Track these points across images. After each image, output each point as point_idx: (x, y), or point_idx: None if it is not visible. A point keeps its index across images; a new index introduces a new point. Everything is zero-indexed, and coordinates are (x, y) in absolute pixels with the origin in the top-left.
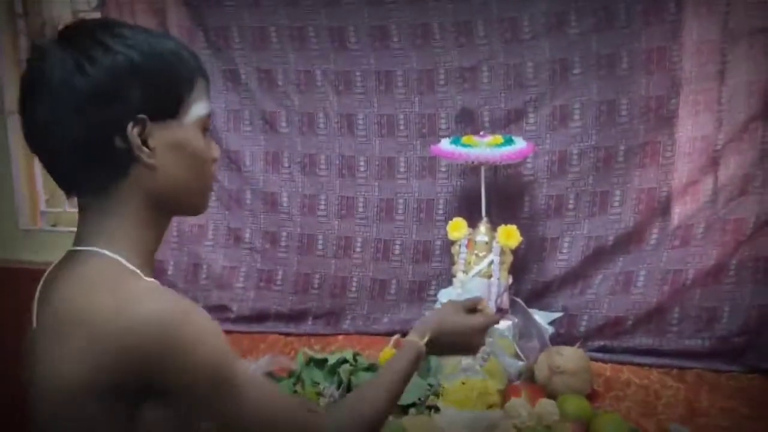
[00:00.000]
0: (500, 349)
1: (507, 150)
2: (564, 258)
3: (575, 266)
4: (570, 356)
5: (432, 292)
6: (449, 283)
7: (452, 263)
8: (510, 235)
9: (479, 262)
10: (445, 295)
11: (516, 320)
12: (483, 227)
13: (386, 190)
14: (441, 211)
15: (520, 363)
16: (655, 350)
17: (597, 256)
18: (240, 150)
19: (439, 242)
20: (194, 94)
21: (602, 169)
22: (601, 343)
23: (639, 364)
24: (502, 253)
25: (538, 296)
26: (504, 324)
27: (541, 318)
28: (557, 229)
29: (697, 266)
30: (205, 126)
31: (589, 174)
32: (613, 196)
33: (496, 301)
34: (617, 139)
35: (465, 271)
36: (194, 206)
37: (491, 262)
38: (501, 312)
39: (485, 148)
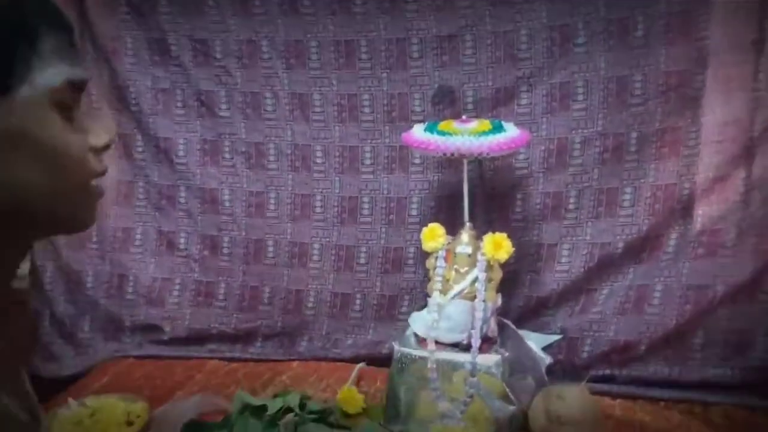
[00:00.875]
0: (486, 390)
1: (495, 139)
2: (563, 269)
3: (576, 279)
4: (574, 401)
5: (404, 309)
6: (425, 298)
7: (428, 279)
8: (499, 246)
9: (460, 280)
10: (417, 320)
11: (506, 354)
12: (465, 235)
13: (349, 186)
14: (415, 213)
15: (511, 407)
16: (674, 381)
17: (603, 267)
18: (171, 138)
19: (412, 250)
20: (38, 54)
21: (610, 162)
22: (608, 372)
23: (654, 399)
24: (489, 268)
25: (532, 315)
26: (491, 359)
27: (536, 342)
28: (555, 233)
29: (725, 280)
30: (66, 102)
31: (594, 167)
32: (623, 194)
33: (481, 328)
34: (629, 125)
35: (443, 291)
36: (64, 222)
37: (475, 280)
38: (488, 342)
39: (468, 136)
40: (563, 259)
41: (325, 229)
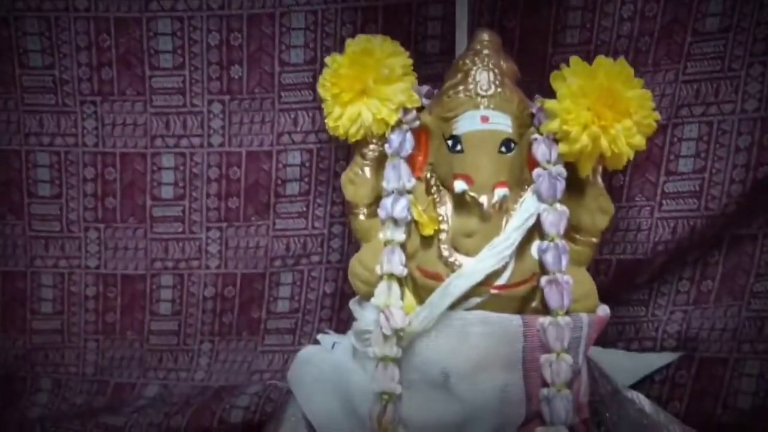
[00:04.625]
0: None
1: None
2: (684, 188)
3: (720, 210)
4: None
5: (280, 307)
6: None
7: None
8: (620, 105)
9: (483, 235)
10: (317, 377)
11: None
12: (483, 69)
13: None
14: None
15: None
16: None
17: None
18: None
19: (296, 154)
20: None
21: None
22: None
23: None
24: (575, 189)
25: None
26: None
27: (620, 369)
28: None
29: None
30: None
31: None
32: None
33: (568, 414)
34: None
35: (410, 279)
36: None
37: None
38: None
39: None
40: (683, 163)
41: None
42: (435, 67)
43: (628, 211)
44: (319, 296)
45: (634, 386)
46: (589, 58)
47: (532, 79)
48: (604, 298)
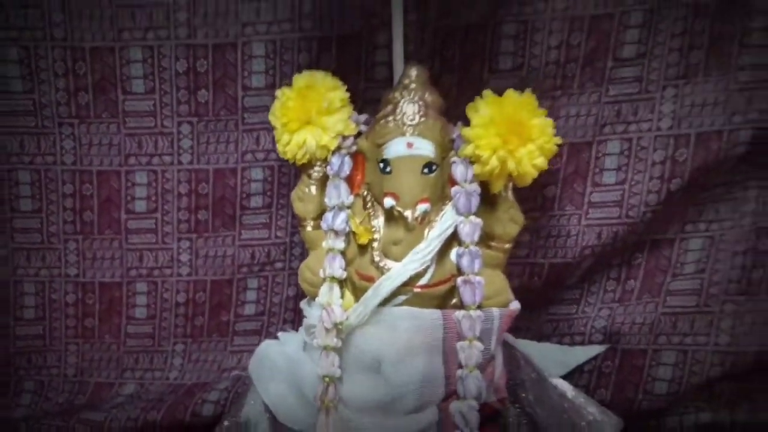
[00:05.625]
0: None
1: None
2: (607, 198)
3: (639, 218)
4: None
5: (248, 310)
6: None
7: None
8: (524, 131)
9: (408, 242)
10: (274, 367)
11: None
12: (410, 101)
13: None
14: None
15: None
16: None
17: (696, 185)
18: None
19: (258, 171)
20: None
21: None
22: (707, 417)
23: None
24: (487, 203)
25: (537, 307)
26: None
27: (551, 362)
28: (587, 127)
29: None
30: None
31: None
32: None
33: (479, 391)
34: None
35: (349, 280)
36: None
37: (451, 240)
38: (492, 423)
39: None
40: (607, 176)
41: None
42: (382, 92)
43: (559, 219)
44: (283, 299)
45: (566, 376)
46: (521, 83)
47: (471, 101)
48: (539, 298)
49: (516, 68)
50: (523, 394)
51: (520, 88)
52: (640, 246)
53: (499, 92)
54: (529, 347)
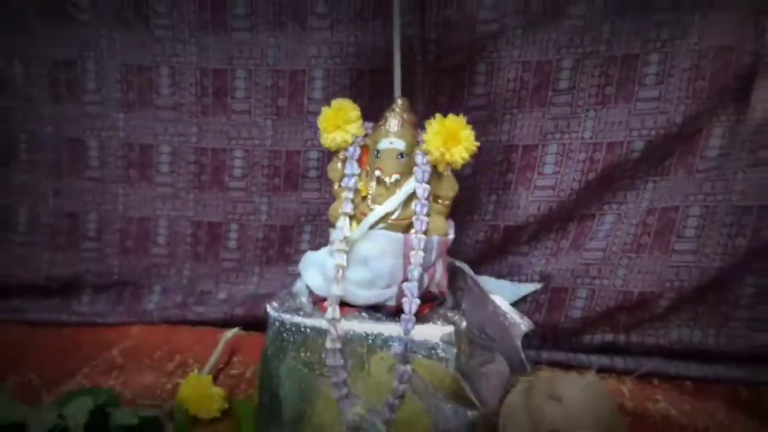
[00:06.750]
0: (427, 386)
1: None
2: (547, 183)
3: (567, 198)
4: (578, 403)
5: (303, 246)
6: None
7: (332, 198)
8: (453, 138)
9: (385, 198)
10: (311, 266)
11: (462, 323)
12: (395, 120)
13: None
14: (318, 90)
15: (470, 413)
16: (714, 354)
17: (608, 180)
18: None
19: (315, 154)
20: None
21: (629, 11)
22: (610, 338)
23: (679, 378)
24: (437, 178)
25: (497, 255)
26: (436, 332)
27: (504, 293)
28: (536, 128)
29: None
30: None
31: (603, 21)
32: (647, 64)
33: (420, 280)
34: None
35: (355, 218)
36: None
37: (411, 198)
38: (431, 303)
39: None
40: (547, 168)
41: (175, 123)
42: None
43: (513, 195)
44: (325, 238)
45: (514, 304)
46: (489, 102)
47: (456, 114)
48: (498, 250)
49: (486, 94)
50: (458, 292)
51: (490, 107)
52: (572, 218)
53: (475, 110)
54: (489, 282)
